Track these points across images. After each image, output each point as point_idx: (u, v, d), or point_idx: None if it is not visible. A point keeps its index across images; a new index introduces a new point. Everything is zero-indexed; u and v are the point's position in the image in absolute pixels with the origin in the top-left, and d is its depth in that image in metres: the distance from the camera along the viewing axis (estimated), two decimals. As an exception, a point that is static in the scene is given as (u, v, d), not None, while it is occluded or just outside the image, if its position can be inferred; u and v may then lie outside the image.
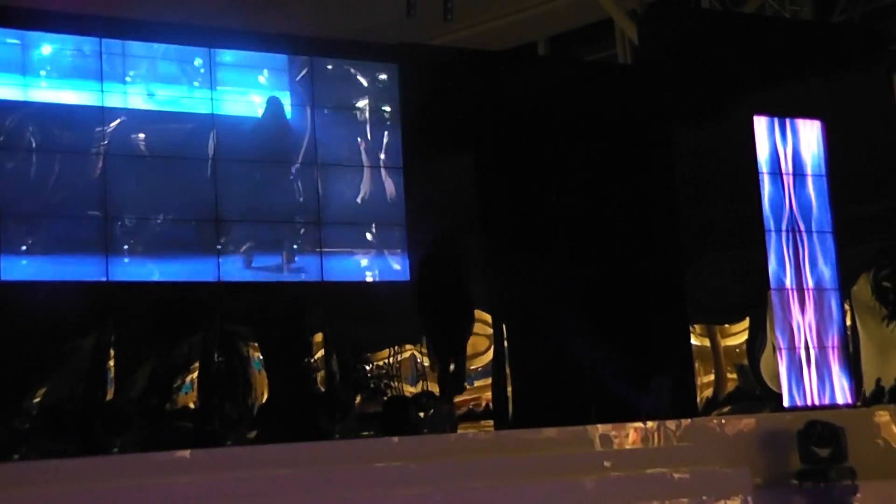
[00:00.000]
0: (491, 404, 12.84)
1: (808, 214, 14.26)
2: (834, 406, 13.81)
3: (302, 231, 12.19)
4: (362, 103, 12.71)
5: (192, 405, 11.47)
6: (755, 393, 13.65)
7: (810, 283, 14.11)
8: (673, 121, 13.85)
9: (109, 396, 11.08)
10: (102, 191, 11.33)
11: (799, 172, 14.34)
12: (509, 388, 12.86)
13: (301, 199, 12.24)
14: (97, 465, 9.95)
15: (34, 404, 10.74)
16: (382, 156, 12.67)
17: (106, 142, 11.41)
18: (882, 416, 13.57)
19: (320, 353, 12.11)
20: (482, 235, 13.08)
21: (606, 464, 11.57)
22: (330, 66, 12.63)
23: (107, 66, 11.53)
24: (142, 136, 11.61)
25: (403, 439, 11.28)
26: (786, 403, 13.65)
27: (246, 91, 12.22)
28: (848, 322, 14.24)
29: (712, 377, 13.51)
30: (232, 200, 11.92)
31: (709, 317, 13.62)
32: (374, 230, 12.49)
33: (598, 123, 13.58)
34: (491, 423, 12.79)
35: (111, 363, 11.17)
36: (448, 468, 10.94)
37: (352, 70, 12.73)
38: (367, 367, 12.36)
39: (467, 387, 12.81)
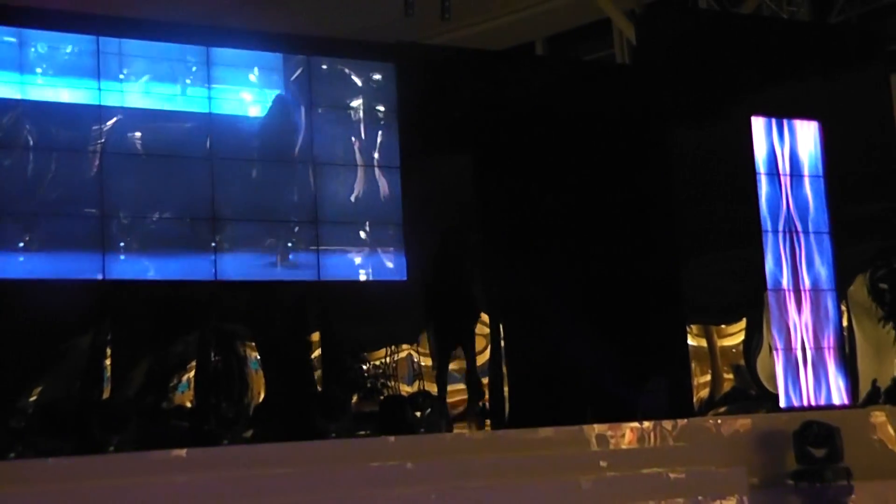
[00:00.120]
0: (487, 403, 12.83)
1: (805, 215, 14.27)
2: (830, 406, 13.82)
3: (297, 230, 12.18)
4: (359, 102, 12.70)
5: (188, 404, 11.47)
6: (751, 393, 13.67)
7: (807, 284, 14.12)
8: (670, 121, 13.86)
9: (106, 395, 11.08)
10: (99, 189, 11.33)
11: (796, 173, 14.35)
12: (506, 388, 12.86)
13: (298, 199, 12.23)
14: (94, 464, 9.94)
15: (30, 403, 10.74)
16: (379, 155, 12.66)
17: (102, 140, 11.41)
18: (878, 416, 13.58)
19: (317, 352, 12.11)
20: (480, 235, 13.08)
21: (603, 463, 11.57)
22: (325, 66, 12.62)
23: (102, 64, 11.52)
24: (138, 134, 11.60)
25: (400, 439, 11.28)
26: (782, 404, 13.66)
27: (241, 90, 12.21)
28: (844, 323, 14.26)
29: (709, 377, 13.52)
30: (229, 199, 11.91)
31: (706, 317, 13.64)
32: (370, 229, 12.49)
33: (595, 123, 13.59)
34: (487, 422, 12.81)
35: (108, 362, 11.17)
36: (444, 468, 10.94)
37: (348, 69, 12.72)
38: (364, 367, 12.37)
39: (464, 387, 12.81)
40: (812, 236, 14.25)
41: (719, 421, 12.93)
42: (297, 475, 10.31)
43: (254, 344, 11.93)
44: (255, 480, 10.11)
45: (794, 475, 12.51)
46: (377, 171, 12.63)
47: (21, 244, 10.99)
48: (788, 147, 14.35)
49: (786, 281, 14.01)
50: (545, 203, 13.31)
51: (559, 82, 13.82)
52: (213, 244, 11.75)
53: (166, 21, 12.72)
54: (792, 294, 14.02)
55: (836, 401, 14.00)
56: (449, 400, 12.62)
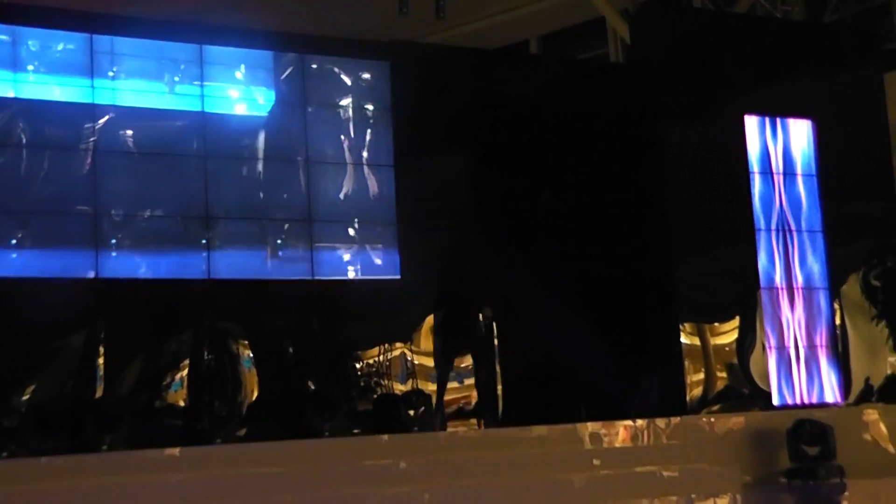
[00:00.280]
0: (481, 402, 12.84)
1: (798, 213, 14.28)
2: (823, 404, 13.83)
3: (289, 228, 12.19)
4: (353, 101, 12.70)
5: (181, 403, 11.47)
6: (745, 391, 13.68)
7: (800, 282, 14.14)
8: (664, 120, 13.86)
9: (99, 394, 11.07)
10: (92, 187, 11.33)
11: (789, 172, 14.36)
12: (499, 386, 12.87)
13: (292, 197, 12.25)
14: (87, 463, 9.93)
15: (23, 402, 10.73)
16: (373, 153, 12.67)
17: (95, 138, 11.40)
18: (870, 414, 13.59)
19: (310, 350, 12.11)
20: (474, 233, 13.08)
21: (596, 462, 11.57)
22: (316, 65, 12.62)
23: (94, 62, 11.52)
24: (130, 132, 11.60)
25: (393, 437, 11.29)
26: (775, 402, 13.68)
27: (233, 88, 12.21)
28: (837, 321, 14.27)
29: (702, 375, 13.54)
30: (223, 198, 11.91)
31: (699, 315, 13.65)
32: (364, 228, 12.50)
33: (589, 122, 13.60)
34: (481, 420, 12.81)
35: (101, 360, 11.16)
36: (438, 466, 10.94)
37: (343, 68, 12.72)
38: (358, 365, 12.37)
39: (458, 385, 12.82)
40: (805, 235, 14.26)
41: (713, 419, 12.94)
42: (291, 474, 10.30)
43: (247, 342, 11.92)
44: (248, 479, 10.11)
45: (787, 473, 12.51)
46: (370, 169, 12.63)
47: (13, 241, 10.97)
48: (782, 146, 14.36)
49: (779, 279, 14.02)
50: (539, 202, 13.31)
51: (553, 81, 13.83)
52: (205, 241, 11.74)
53: (159, 19, 12.70)
54: (785, 292, 14.04)
55: (829, 399, 14.02)
56: (445, 398, 12.63)
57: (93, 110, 11.46)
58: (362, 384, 12.27)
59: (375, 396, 12.21)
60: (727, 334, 13.76)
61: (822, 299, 14.23)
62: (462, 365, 12.89)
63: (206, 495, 9.77)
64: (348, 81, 12.71)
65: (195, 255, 11.74)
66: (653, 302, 13.45)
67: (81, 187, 11.32)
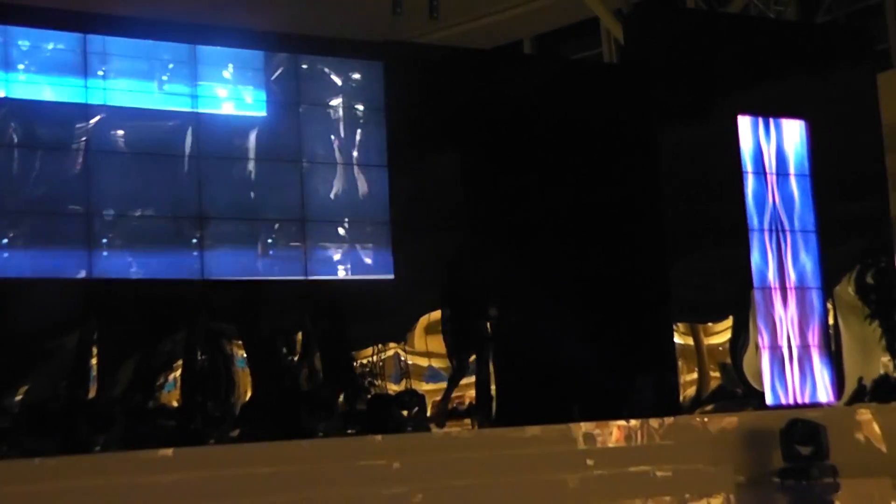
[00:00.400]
0: (475, 402, 12.84)
1: (791, 213, 14.30)
2: (816, 404, 13.85)
3: (281, 228, 12.19)
4: (348, 101, 12.70)
5: (175, 403, 11.45)
6: (738, 391, 13.69)
7: (793, 282, 14.15)
8: (658, 120, 13.87)
9: (92, 395, 11.05)
10: (85, 187, 11.32)
11: (783, 172, 14.38)
12: (493, 386, 12.87)
13: (285, 197, 12.25)
14: (80, 464, 9.92)
15: (16, 402, 10.71)
16: (367, 153, 12.67)
17: (87, 138, 11.38)
18: (863, 414, 13.61)
19: (304, 351, 12.10)
20: (468, 233, 13.08)
21: (590, 462, 11.58)
22: (307, 65, 12.62)
23: (81, 61, 11.51)
24: (122, 132, 11.58)
25: (387, 437, 11.28)
26: (768, 402, 13.69)
27: (225, 88, 12.21)
28: (830, 321, 14.29)
29: (695, 375, 13.55)
30: (217, 198, 11.91)
31: (692, 315, 13.66)
32: (358, 227, 12.49)
33: (583, 122, 13.60)
34: (476, 420, 12.81)
35: (94, 361, 11.14)
36: (431, 466, 10.95)
37: (337, 67, 12.72)
38: (352, 365, 12.36)
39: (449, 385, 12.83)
40: (798, 234, 14.28)
41: (706, 419, 12.96)
42: (284, 474, 10.30)
43: (241, 342, 11.91)
44: (242, 480, 10.11)
45: (780, 473, 12.52)
46: (364, 169, 12.63)
47: (5, 241, 10.96)
48: (775, 146, 14.38)
49: (772, 279, 14.04)
50: (532, 201, 13.32)
51: (547, 81, 13.82)
52: (197, 241, 11.74)
53: (151, 19, 12.68)
54: (778, 292, 14.05)
55: (823, 399, 14.04)
56: (437, 399, 12.63)
57: (85, 110, 11.43)
58: (356, 384, 12.26)
59: (369, 397, 12.20)
60: (720, 334, 13.78)
61: (815, 299, 14.24)
62: (456, 365, 12.88)
63: (199, 496, 9.77)
64: (341, 81, 12.69)
65: (189, 254, 11.73)
66: (646, 301, 13.45)
67: (74, 187, 11.29)
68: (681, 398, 13.35)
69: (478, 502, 10.71)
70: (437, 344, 12.83)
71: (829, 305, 14.32)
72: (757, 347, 13.75)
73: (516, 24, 22.33)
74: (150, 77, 11.86)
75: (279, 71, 12.43)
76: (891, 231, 14.97)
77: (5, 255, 10.95)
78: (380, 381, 12.34)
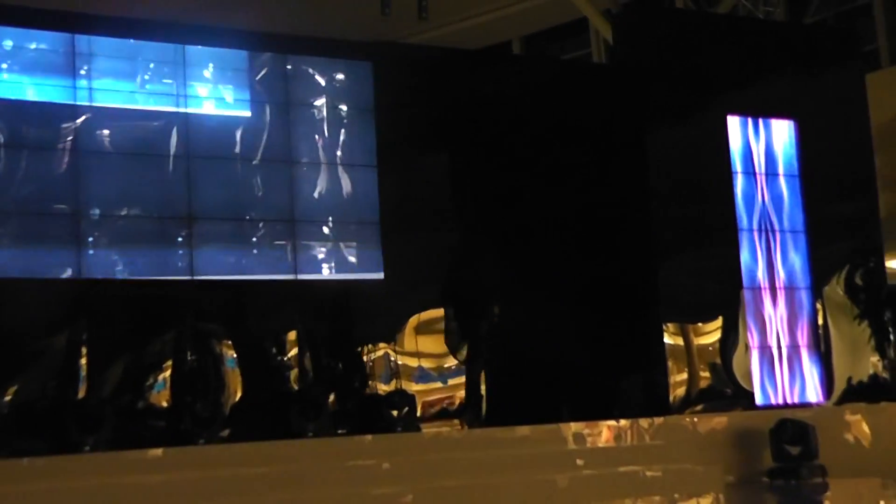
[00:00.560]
0: (464, 402, 12.84)
1: (780, 213, 14.32)
2: (805, 404, 13.88)
3: (273, 228, 12.18)
4: (337, 102, 12.69)
5: (164, 403, 11.43)
6: (727, 391, 13.70)
7: (783, 282, 14.18)
8: (647, 120, 13.88)
9: (81, 395, 11.02)
10: (75, 187, 11.29)
11: (772, 172, 14.40)
12: (483, 386, 12.87)
13: (274, 197, 12.24)
14: (69, 464, 9.89)
15: (4, 402, 10.67)
16: (356, 154, 12.66)
17: (74, 138, 11.35)
18: (853, 414, 13.64)
19: (293, 351, 12.09)
20: (457, 233, 13.07)
21: (579, 461, 11.59)
22: (302, 65, 12.61)
23: (69, 62, 11.48)
24: (108, 132, 11.55)
25: (377, 437, 11.27)
26: (758, 402, 13.71)
27: (213, 88, 12.19)
28: (820, 321, 14.31)
29: (685, 375, 13.55)
30: (208, 198, 11.90)
31: (682, 315, 13.67)
32: (347, 227, 12.48)
33: (572, 122, 13.60)
34: (465, 420, 12.81)
35: (83, 361, 11.11)
36: (421, 466, 10.94)
37: (326, 68, 12.71)
38: (341, 366, 12.35)
39: (441, 385, 12.81)
40: (788, 234, 14.31)
41: (695, 419, 12.97)
42: (274, 474, 10.29)
43: (230, 342, 11.89)
44: (231, 480, 10.09)
45: (769, 473, 12.55)
46: (356, 169, 12.62)
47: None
48: (764, 146, 14.40)
49: (762, 279, 14.06)
50: (521, 201, 13.31)
51: (536, 81, 13.82)
52: (181, 240, 11.72)
53: (139, 19, 12.65)
54: (768, 292, 14.07)
55: (812, 399, 14.06)
56: (426, 399, 12.62)
57: (73, 110, 11.40)
58: (346, 385, 12.24)
59: (359, 397, 12.18)
60: (710, 334, 13.79)
61: (804, 299, 14.27)
62: (445, 365, 12.87)
63: (189, 496, 9.76)
64: (327, 81, 12.68)
65: (180, 254, 11.72)
66: (636, 301, 13.46)
67: (61, 187, 11.26)
68: (670, 398, 13.36)
69: (468, 502, 10.71)
70: (428, 344, 12.82)
71: (819, 305, 14.34)
72: (746, 347, 13.77)
73: (505, 24, 22.35)
74: (133, 77, 11.83)
75: (264, 71, 12.41)
76: (880, 231, 14.99)
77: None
78: (370, 382, 12.32)
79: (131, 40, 11.82)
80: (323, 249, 12.37)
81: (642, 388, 13.14)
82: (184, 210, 11.75)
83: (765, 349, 13.90)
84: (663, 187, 13.71)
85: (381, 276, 12.49)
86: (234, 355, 11.86)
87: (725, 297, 13.86)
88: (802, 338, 14.16)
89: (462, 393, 12.85)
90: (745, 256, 14.00)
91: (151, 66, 11.87)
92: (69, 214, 11.24)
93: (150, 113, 11.78)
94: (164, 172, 11.75)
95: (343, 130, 12.67)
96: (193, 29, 12.57)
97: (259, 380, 11.90)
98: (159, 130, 11.77)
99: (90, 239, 11.33)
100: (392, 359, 12.52)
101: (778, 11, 19.24)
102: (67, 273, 11.18)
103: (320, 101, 12.61)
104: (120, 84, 11.70)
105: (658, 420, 12.44)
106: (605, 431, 12.09)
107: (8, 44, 11.24)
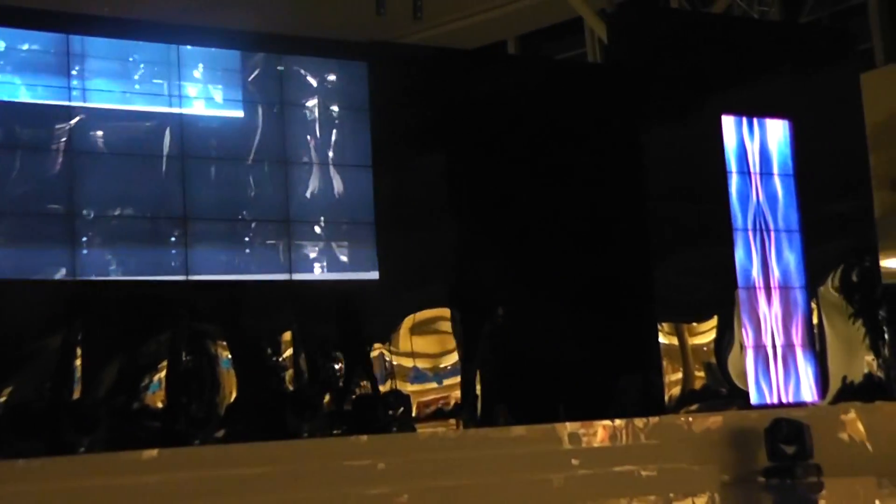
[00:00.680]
0: (459, 402, 12.83)
1: (775, 213, 14.33)
2: (800, 404, 13.88)
3: (268, 228, 12.17)
4: (331, 101, 12.68)
5: (160, 404, 11.42)
6: (722, 391, 13.70)
7: (777, 281, 14.18)
8: (642, 119, 13.88)
9: (76, 395, 11.01)
10: (68, 187, 11.28)
11: (766, 171, 14.41)
12: (478, 386, 12.87)
13: (268, 197, 12.23)
14: (64, 465, 9.89)
15: (0, 403, 10.66)
16: (351, 153, 12.65)
17: (68, 138, 11.34)
18: (848, 413, 13.65)
19: (289, 351, 12.09)
20: (452, 234, 13.07)
21: (575, 461, 11.59)
22: (296, 65, 12.60)
23: (64, 63, 11.46)
24: (104, 133, 11.54)
25: (372, 437, 11.27)
26: (753, 401, 13.72)
27: (206, 89, 12.18)
28: (815, 320, 14.32)
29: (680, 375, 13.56)
30: (203, 198, 11.89)
31: (677, 315, 13.67)
32: (342, 227, 12.47)
33: (567, 122, 13.61)
34: (460, 421, 12.81)
35: (78, 362, 11.10)
36: (417, 466, 10.94)
37: (320, 68, 12.70)
38: (336, 366, 12.35)
39: (437, 385, 12.81)
40: (783, 234, 14.31)
41: (691, 418, 12.98)
42: (270, 475, 10.28)
43: (225, 343, 11.88)
44: (227, 480, 10.08)
45: (765, 472, 12.56)
46: (350, 169, 12.62)
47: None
48: (759, 145, 14.41)
49: (757, 278, 14.07)
50: (517, 201, 13.31)
51: (531, 81, 13.82)
52: (175, 240, 11.71)
53: (133, 19, 12.65)
54: (763, 291, 14.08)
55: (807, 398, 14.07)
56: (422, 399, 12.62)
57: (66, 111, 11.39)
58: (341, 385, 12.24)
59: (354, 397, 12.18)
60: (705, 333, 13.79)
61: (799, 298, 14.28)
62: (440, 365, 12.87)
63: (184, 497, 9.74)
64: (322, 81, 12.67)
65: (175, 255, 11.71)
66: (631, 301, 13.46)
67: (55, 187, 11.25)
68: (666, 397, 13.36)
69: (463, 502, 10.71)
70: (423, 344, 12.83)
71: (814, 305, 14.35)
72: (741, 347, 13.78)
73: (500, 24, 22.35)
74: (129, 78, 11.81)
75: (258, 71, 12.40)
76: (874, 230, 15.01)
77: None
78: (365, 382, 12.32)
79: (124, 41, 11.81)
80: (317, 249, 12.38)
81: (637, 388, 13.13)
82: (178, 210, 11.75)
83: (760, 348, 13.91)
84: (658, 186, 13.71)
85: (375, 276, 12.50)
86: (230, 356, 11.86)
87: (720, 296, 13.87)
88: (797, 337, 14.18)
89: (457, 393, 12.85)
90: (739, 255, 14.01)
91: (143, 66, 11.85)
92: (63, 215, 11.24)
93: (144, 113, 11.79)
94: (157, 172, 11.76)
95: (338, 130, 12.67)
96: (187, 29, 12.55)
97: (254, 380, 11.90)
98: (153, 131, 11.78)
99: (84, 239, 11.33)
100: (387, 359, 12.52)
101: (772, 11, 19.24)
102: (61, 273, 11.18)
103: (315, 102, 12.62)
104: (113, 84, 11.69)
105: (653, 419, 12.45)
106: (600, 431, 12.09)
107: (0, 45, 11.23)
